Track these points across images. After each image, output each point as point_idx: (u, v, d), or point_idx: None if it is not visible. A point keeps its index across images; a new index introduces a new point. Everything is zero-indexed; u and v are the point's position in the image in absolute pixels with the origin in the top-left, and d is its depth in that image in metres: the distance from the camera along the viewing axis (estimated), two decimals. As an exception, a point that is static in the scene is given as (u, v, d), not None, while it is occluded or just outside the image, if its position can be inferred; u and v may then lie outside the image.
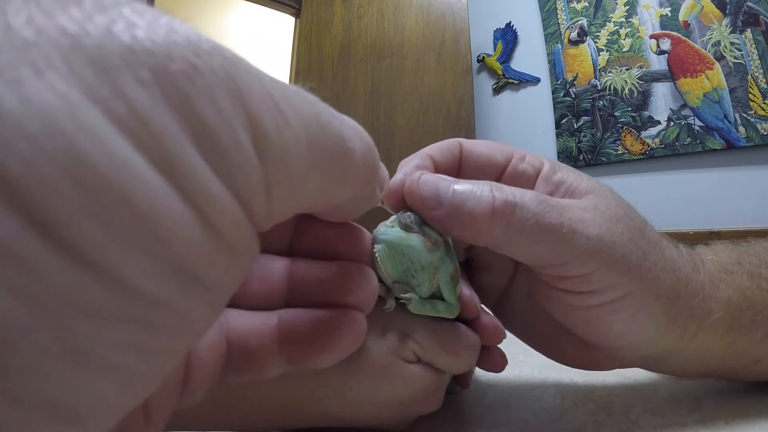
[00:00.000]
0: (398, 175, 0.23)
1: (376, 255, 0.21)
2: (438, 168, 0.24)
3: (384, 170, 0.17)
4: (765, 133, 1.40)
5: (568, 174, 0.24)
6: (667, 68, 1.59)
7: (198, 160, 0.08)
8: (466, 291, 0.24)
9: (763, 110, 1.40)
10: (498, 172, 0.25)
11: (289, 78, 2.09)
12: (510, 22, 2.04)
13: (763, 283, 0.24)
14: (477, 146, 0.25)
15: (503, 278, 0.27)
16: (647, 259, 0.21)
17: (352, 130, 0.13)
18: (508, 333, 0.27)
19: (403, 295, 0.22)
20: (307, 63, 2.04)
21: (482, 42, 2.11)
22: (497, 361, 0.26)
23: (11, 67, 0.07)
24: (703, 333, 0.23)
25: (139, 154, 0.08)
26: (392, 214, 0.23)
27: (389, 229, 0.22)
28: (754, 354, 0.24)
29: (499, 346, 0.26)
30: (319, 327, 0.16)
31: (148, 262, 0.08)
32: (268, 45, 2.83)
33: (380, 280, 0.23)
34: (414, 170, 0.23)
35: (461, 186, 0.21)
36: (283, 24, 2.31)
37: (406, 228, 0.22)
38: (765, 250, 0.26)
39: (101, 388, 0.08)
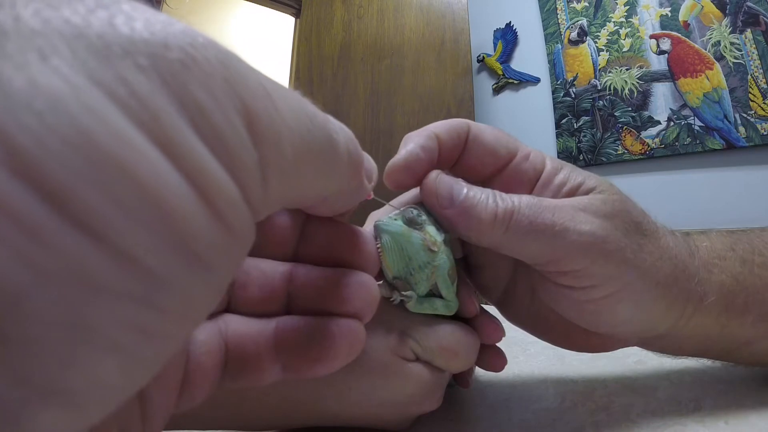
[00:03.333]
0: (401, 152, 0.23)
1: (379, 247, 0.22)
2: (442, 148, 0.24)
3: (371, 162, 0.17)
4: (765, 133, 1.40)
5: (570, 173, 0.24)
6: (667, 68, 1.60)
7: (195, 140, 0.09)
8: (465, 290, 0.24)
9: (763, 110, 1.40)
10: (499, 167, 0.25)
11: (289, 78, 2.07)
12: (510, 22, 2.04)
13: (755, 269, 0.25)
14: (484, 133, 0.25)
15: (505, 274, 0.27)
16: (643, 250, 0.23)
17: (335, 124, 0.14)
18: (508, 333, 0.27)
19: (404, 293, 0.22)
20: (307, 63, 2.03)
21: (482, 42, 2.11)
22: (497, 361, 0.26)
23: (19, 53, 0.07)
24: (699, 315, 0.24)
25: (139, 131, 0.08)
26: (383, 203, 0.24)
27: (392, 221, 0.22)
28: (747, 336, 0.25)
29: (498, 346, 0.26)
30: (315, 336, 0.16)
31: (151, 235, 0.08)
32: (268, 45, 2.83)
33: (382, 276, 0.23)
34: (419, 150, 0.23)
35: (472, 192, 0.22)
36: (283, 24, 2.31)
37: (408, 223, 0.22)
38: (758, 237, 0.27)
39: (101, 369, 0.08)
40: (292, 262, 0.18)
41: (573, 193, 0.24)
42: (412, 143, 0.24)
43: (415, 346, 0.22)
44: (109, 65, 0.08)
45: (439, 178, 0.23)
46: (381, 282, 0.23)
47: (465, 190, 0.23)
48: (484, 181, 0.26)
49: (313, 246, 0.19)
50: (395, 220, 0.22)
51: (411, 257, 0.22)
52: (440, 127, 0.24)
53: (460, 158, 0.25)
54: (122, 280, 0.08)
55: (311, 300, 0.17)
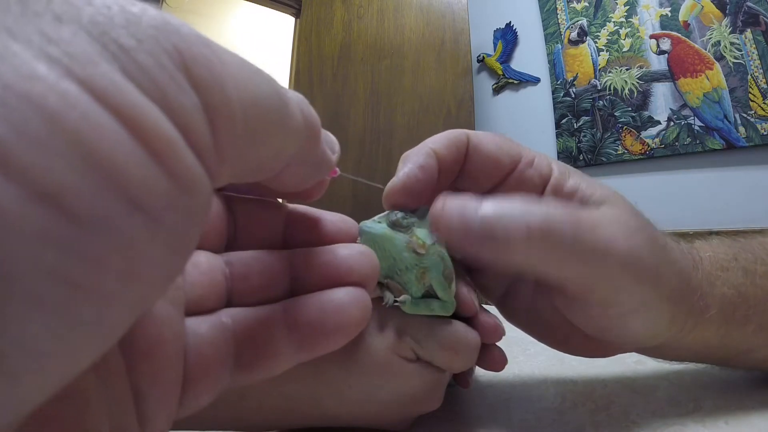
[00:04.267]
0: (399, 174, 0.23)
1: None
2: (442, 164, 0.23)
3: (330, 135, 0.17)
4: (765, 133, 1.40)
5: (580, 181, 0.24)
6: (667, 68, 1.59)
7: (121, 78, 0.08)
8: (464, 289, 0.24)
9: (763, 110, 1.40)
10: (502, 175, 0.24)
11: (289, 78, 2.08)
12: (510, 22, 2.04)
13: (757, 279, 0.24)
14: (485, 142, 0.24)
15: (507, 274, 0.27)
16: (659, 266, 0.22)
17: (280, 83, 0.13)
18: (508, 333, 0.27)
19: (398, 299, 0.22)
20: (307, 63, 2.03)
21: (482, 42, 2.11)
22: (497, 360, 0.26)
23: None
24: (700, 327, 0.23)
25: (48, 65, 0.08)
26: (354, 179, 0.24)
27: (375, 224, 0.22)
28: (748, 344, 0.25)
29: (498, 345, 0.26)
30: (326, 308, 0.16)
31: (68, 169, 0.07)
32: (268, 45, 2.83)
33: None
34: (417, 171, 0.22)
35: (489, 208, 0.19)
36: (283, 24, 2.31)
37: (393, 225, 0.22)
38: (760, 245, 0.26)
39: (29, 329, 0.07)
40: (286, 249, 0.18)
41: (586, 201, 0.23)
42: (410, 163, 0.23)
43: (415, 346, 0.22)
44: (30, 21, 0.08)
45: (446, 206, 0.20)
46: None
47: (479, 210, 0.19)
48: (488, 192, 0.25)
49: (297, 236, 0.19)
50: (379, 222, 0.22)
51: (396, 258, 0.22)
52: (438, 141, 0.24)
53: (462, 170, 0.24)
54: (39, 221, 0.07)
55: (315, 277, 0.17)
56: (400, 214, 0.22)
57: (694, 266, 0.24)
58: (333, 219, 0.19)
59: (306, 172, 0.16)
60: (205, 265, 0.16)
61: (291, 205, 0.19)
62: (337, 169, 0.18)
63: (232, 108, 0.10)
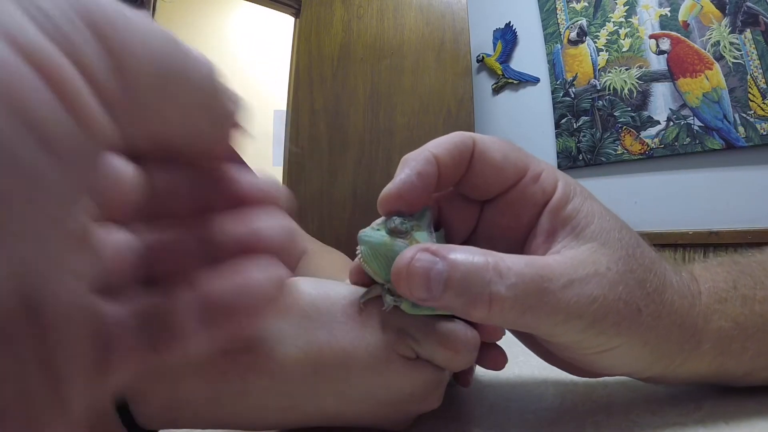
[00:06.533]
0: (396, 180, 0.22)
1: (359, 255, 0.22)
2: (442, 170, 0.23)
3: (234, 92, 0.15)
4: (764, 133, 1.40)
5: (581, 205, 0.23)
6: (667, 68, 1.59)
7: (39, 34, 0.09)
8: None
9: (763, 110, 1.40)
10: (505, 187, 0.24)
11: (289, 77, 2.05)
12: (510, 22, 2.04)
13: (756, 306, 0.23)
14: (491, 150, 0.23)
15: None
16: (642, 313, 0.21)
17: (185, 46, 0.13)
18: (508, 333, 0.27)
19: (397, 301, 0.22)
20: (307, 63, 2.01)
21: (482, 42, 2.10)
22: (497, 359, 0.26)
23: None
24: (692, 361, 0.23)
25: None
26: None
27: (374, 232, 0.22)
28: (744, 370, 0.24)
29: (499, 344, 0.26)
30: (234, 283, 0.14)
31: None
32: (268, 45, 2.83)
33: (372, 281, 0.23)
34: (414, 178, 0.22)
35: (456, 277, 0.19)
36: (283, 24, 2.30)
37: (392, 233, 0.22)
38: (760, 266, 0.25)
39: None
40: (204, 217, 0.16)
41: (581, 231, 0.22)
42: (408, 169, 0.22)
43: (415, 344, 0.22)
44: None
45: (413, 263, 0.20)
46: (373, 285, 0.24)
47: (444, 278, 0.19)
48: (486, 202, 0.25)
49: (217, 197, 0.16)
50: (378, 230, 0.22)
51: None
52: (442, 146, 0.23)
53: (464, 177, 0.24)
54: None
55: (228, 250, 0.15)
56: (398, 221, 0.22)
57: (691, 304, 0.23)
58: (253, 182, 0.17)
59: (207, 127, 0.14)
60: (115, 243, 0.15)
61: (214, 168, 0.17)
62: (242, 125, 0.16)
63: (136, 62, 0.11)
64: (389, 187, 0.22)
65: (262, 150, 2.72)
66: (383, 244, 0.22)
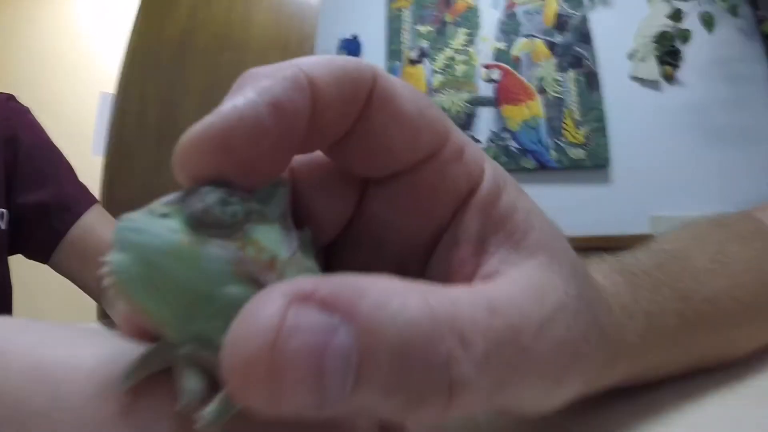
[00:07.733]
0: (221, 111, 0.11)
1: (110, 275, 0.09)
2: (318, 112, 0.11)
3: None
4: (574, 158, 1.53)
5: (516, 199, 0.14)
6: (494, 95, 1.66)
7: None
8: None
9: (574, 138, 1.53)
10: (415, 161, 0.14)
11: (123, 58, 1.90)
12: (357, 34, 2.01)
13: (654, 319, 0.20)
14: (400, 96, 0.13)
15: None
16: (591, 346, 0.15)
17: None
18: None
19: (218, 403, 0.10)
20: (145, 44, 1.90)
21: (326, 49, 2.06)
22: None
23: None
24: (602, 380, 0.18)
25: None
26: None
27: (151, 222, 0.10)
28: (645, 379, 0.22)
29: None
30: None
31: None
32: (112, 21, 2.49)
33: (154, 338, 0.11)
34: (265, 110, 0.11)
35: (382, 359, 0.09)
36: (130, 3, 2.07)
37: (198, 223, 0.10)
38: (647, 276, 0.21)
39: None
40: None
41: (521, 239, 0.14)
42: (254, 92, 0.11)
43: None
44: None
45: (280, 353, 0.08)
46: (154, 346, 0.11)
47: (357, 353, 0.09)
48: (375, 183, 0.15)
49: None
50: (163, 217, 0.10)
51: (205, 296, 0.09)
52: (320, 66, 0.12)
53: (349, 133, 0.13)
54: None
55: None
56: (214, 197, 0.10)
57: (611, 322, 0.18)
58: None
59: None
60: None
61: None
62: None
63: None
64: (205, 123, 0.11)
65: (81, 136, 2.20)
66: (174, 252, 0.09)
